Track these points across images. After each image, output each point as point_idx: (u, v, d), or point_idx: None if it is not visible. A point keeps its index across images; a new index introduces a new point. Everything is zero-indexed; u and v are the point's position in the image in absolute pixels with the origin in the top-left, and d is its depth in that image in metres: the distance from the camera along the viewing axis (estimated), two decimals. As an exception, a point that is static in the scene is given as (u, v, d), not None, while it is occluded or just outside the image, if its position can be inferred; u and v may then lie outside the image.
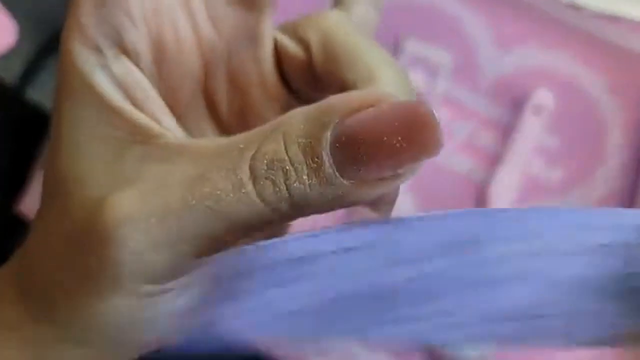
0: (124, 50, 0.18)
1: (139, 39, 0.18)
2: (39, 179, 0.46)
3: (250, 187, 0.16)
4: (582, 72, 0.51)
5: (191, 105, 0.20)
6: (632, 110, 0.50)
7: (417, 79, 0.48)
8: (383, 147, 0.15)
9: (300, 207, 0.16)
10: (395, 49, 0.50)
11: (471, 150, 0.48)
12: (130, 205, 0.17)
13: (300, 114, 0.16)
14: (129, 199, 0.17)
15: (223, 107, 0.21)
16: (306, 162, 0.16)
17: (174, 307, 0.18)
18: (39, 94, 0.52)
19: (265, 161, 0.16)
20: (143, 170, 0.17)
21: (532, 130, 0.48)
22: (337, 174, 0.16)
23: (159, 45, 0.19)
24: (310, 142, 0.16)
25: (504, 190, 0.47)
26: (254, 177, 0.16)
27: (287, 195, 0.16)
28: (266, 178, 0.16)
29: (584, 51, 0.52)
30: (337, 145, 0.16)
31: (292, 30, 0.20)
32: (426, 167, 0.48)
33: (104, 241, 0.17)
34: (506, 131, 0.49)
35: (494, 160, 0.48)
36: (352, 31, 0.19)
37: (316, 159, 0.16)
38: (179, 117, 0.20)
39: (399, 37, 0.50)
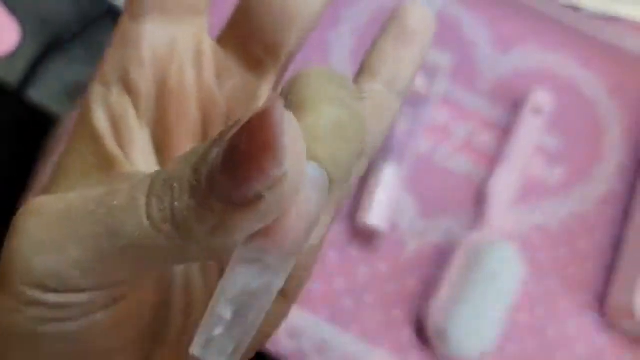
0: (127, 87, 0.19)
1: (143, 79, 0.19)
2: (39, 180, 0.46)
3: (142, 202, 0.15)
4: (580, 73, 0.51)
5: (185, 147, 0.20)
6: (631, 110, 0.51)
7: (417, 80, 0.48)
8: (236, 159, 0.13)
9: (184, 233, 0.14)
10: None
11: (470, 151, 0.48)
12: (43, 204, 0.17)
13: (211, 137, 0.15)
14: (47, 199, 0.17)
15: None
16: (189, 181, 0.14)
17: (80, 333, 0.17)
18: (41, 95, 0.52)
19: (162, 179, 0.15)
20: (87, 189, 0.17)
21: (531, 131, 0.48)
22: (210, 193, 0.14)
23: (163, 88, 0.19)
24: (199, 160, 0.14)
25: (503, 191, 0.47)
26: (148, 194, 0.15)
27: (170, 214, 0.14)
28: (156, 195, 0.15)
29: (582, 52, 0.52)
30: (215, 162, 0.14)
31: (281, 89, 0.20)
32: (426, 167, 0.49)
33: (10, 232, 0.17)
34: (505, 132, 0.49)
35: (493, 160, 0.48)
36: (315, 75, 0.17)
37: (199, 177, 0.14)
38: (172, 156, 0.20)
39: None
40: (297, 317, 0.43)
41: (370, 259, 0.45)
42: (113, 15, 0.55)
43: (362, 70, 0.21)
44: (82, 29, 0.54)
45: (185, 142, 0.20)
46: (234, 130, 0.14)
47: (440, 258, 0.45)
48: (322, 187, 0.15)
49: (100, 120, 0.19)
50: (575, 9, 0.54)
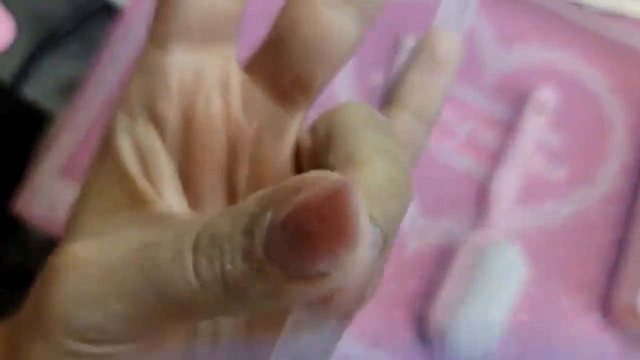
0: (154, 116, 0.19)
1: (169, 108, 0.19)
2: (34, 178, 0.46)
3: (189, 260, 0.15)
4: (585, 70, 0.51)
5: (211, 180, 0.20)
6: (636, 108, 0.51)
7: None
8: (301, 236, 0.13)
9: (234, 296, 0.14)
10: (395, 47, 0.50)
11: (473, 149, 0.48)
12: (83, 253, 0.17)
13: (259, 192, 0.15)
14: (85, 248, 0.17)
15: (240, 188, 0.20)
16: (241, 244, 0.14)
17: None
18: (35, 92, 0.52)
19: (209, 235, 0.15)
20: (120, 230, 0.17)
21: (534, 129, 0.48)
22: (267, 260, 0.13)
23: (189, 119, 0.19)
24: (251, 222, 0.14)
25: (506, 189, 0.47)
26: (194, 252, 0.15)
27: (220, 277, 0.14)
28: (204, 254, 0.14)
29: (587, 49, 0.52)
30: (272, 229, 0.13)
31: (312, 123, 0.20)
32: (427, 165, 0.48)
33: (48, 281, 0.17)
34: (508, 129, 0.49)
35: (496, 158, 0.48)
36: (356, 119, 0.17)
37: (251, 241, 0.14)
38: (197, 190, 0.20)
39: (399, 36, 0.50)
40: None
41: (371, 259, 0.45)
42: (108, 11, 0.55)
43: (391, 102, 0.21)
44: (77, 25, 0.54)
45: (211, 175, 0.20)
46: (291, 193, 0.13)
47: (441, 258, 0.45)
48: (376, 245, 0.14)
49: (128, 154, 0.18)
50: (580, 5, 0.54)
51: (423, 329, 0.43)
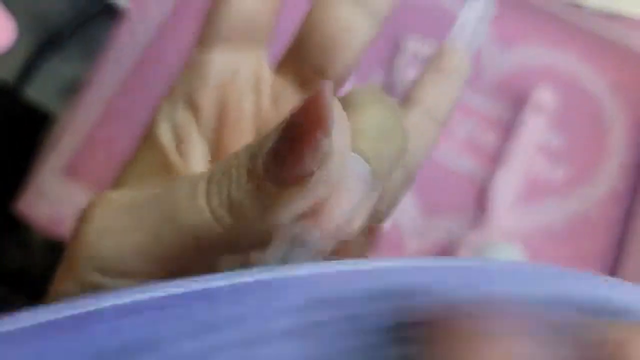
0: (191, 105, 0.21)
1: (205, 99, 0.21)
2: (36, 178, 0.46)
3: (202, 190, 0.16)
4: (584, 70, 0.51)
5: None
6: (635, 108, 0.51)
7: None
8: (289, 135, 0.15)
9: (237, 215, 0.16)
10: (395, 47, 0.50)
11: (472, 149, 0.48)
12: (114, 195, 0.18)
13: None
14: (113, 193, 0.19)
15: None
16: (247, 166, 0.16)
17: None
18: (37, 93, 0.52)
19: (221, 167, 0.16)
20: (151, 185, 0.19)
21: (533, 129, 0.48)
22: (265, 174, 0.15)
23: (223, 110, 0.21)
24: (256, 149, 0.16)
25: (505, 189, 0.47)
26: (208, 183, 0.16)
27: (226, 200, 0.16)
28: (216, 183, 0.16)
29: (586, 50, 0.52)
30: (272, 148, 0.15)
31: None
32: (427, 165, 0.48)
33: (79, 221, 0.18)
34: (507, 130, 0.49)
35: (495, 159, 0.48)
36: (363, 89, 0.19)
37: (255, 162, 0.16)
38: None
39: (399, 36, 0.50)
40: None
41: (371, 259, 0.45)
42: (110, 13, 0.55)
43: (404, 101, 0.23)
44: (79, 26, 0.54)
45: None
46: (287, 120, 0.15)
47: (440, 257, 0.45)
48: (364, 179, 0.16)
49: (164, 131, 0.21)
50: (578, 6, 0.54)
51: None
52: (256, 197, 0.15)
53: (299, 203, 0.15)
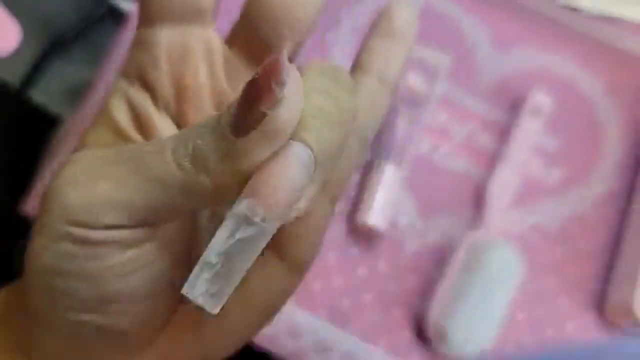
0: (145, 84, 0.21)
1: (159, 79, 0.21)
2: (42, 180, 0.46)
3: (170, 145, 0.17)
4: (579, 73, 0.51)
5: None
6: (629, 110, 0.51)
7: (416, 80, 0.48)
8: (248, 88, 0.16)
9: (199, 164, 0.17)
10: None
11: (470, 151, 0.48)
12: (82, 154, 0.19)
13: None
14: (86, 151, 0.19)
15: None
16: (212, 125, 0.17)
17: (87, 275, 0.18)
18: (42, 96, 0.52)
19: (189, 129, 0.17)
20: None
21: (529, 131, 0.48)
22: (227, 127, 0.16)
23: (180, 86, 0.21)
24: (223, 112, 0.17)
25: (502, 191, 0.47)
26: (175, 140, 0.17)
27: (191, 152, 0.17)
28: (182, 139, 0.17)
29: (581, 52, 0.52)
30: (234, 106, 0.17)
31: None
32: (425, 167, 0.49)
33: (51, 179, 0.19)
34: (504, 132, 0.49)
35: (492, 160, 0.48)
36: (315, 65, 0.19)
37: (219, 118, 0.17)
38: None
39: None
40: (297, 316, 0.43)
41: (370, 259, 0.45)
42: (114, 16, 0.55)
43: (355, 67, 0.23)
44: (83, 29, 0.54)
45: None
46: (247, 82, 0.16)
47: (439, 257, 0.45)
48: (306, 163, 0.17)
49: (119, 111, 0.21)
50: (574, 9, 0.54)
51: (421, 328, 0.43)
52: (217, 146, 0.16)
53: (254, 149, 0.16)
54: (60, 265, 0.18)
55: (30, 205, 0.46)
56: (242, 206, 0.16)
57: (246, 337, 0.22)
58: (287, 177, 0.16)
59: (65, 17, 0.54)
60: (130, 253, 0.18)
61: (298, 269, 0.22)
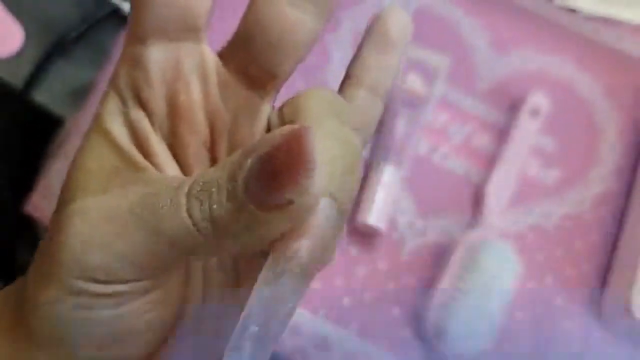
0: (142, 102, 0.21)
1: (153, 97, 0.21)
2: (45, 179, 0.46)
3: (183, 203, 0.17)
4: (577, 74, 0.52)
5: (197, 158, 0.22)
6: (627, 111, 0.51)
7: (415, 82, 0.48)
8: (272, 169, 0.16)
9: (220, 230, 0.17)
10: None
11: (468, 152, 0.49)
12: (91, 203, 0.19)
13: (244, 147, 0.17)
14: (92, 199, 0.19)
15: None
16: (227, 187, 0.17)
17: (116, 317, 0.19)
18: (45, 97, 0.52)
19: (201, 183, 0.17)
20: (124, 187, 0.19)
21: (528, 132, 0.48)
22: (246, 197, 0.16)
23: (174, 104, 0.21)
24: (235, 169, 0.17)
25: (500, 192, 0.47)
26: (188, 196, 0.17)
27: (208, 215, 0.17)
28: (196, 198, 0.17)
29: (579, 54, 0.52)
30: (250, 169, 0.16)
31: (280, 106, 0.22)
32: (424, 168, 0.49)
33: (58, 230, 0.18)
34: (503, 133, 0.49)
35: (491, 161, 0.48)
36: (317, 106, 0.20)
37: (234, 184, 0.17)
38: (185, 167, 0.22)
39: None
40: (298, 315, 0.43)
41: (370, 258, 0.45)
42: (116, 17, 0.55)
43: (347, 77, 0.23)
44: (86, 30, 0.54)
45: (197, 153, 0.22)
46: (268, 143, 0.16)
47: (438, 257, 0.46)
48: (335, 217, 0.17)
49: (119, 130, 0.20)
50: (572, 11, 0.54)
51: (421, 327, 0.44)
52: (237, 216, 0.17)
53: (279, 223, 0.17)
54: (77, 315, 0.18)
55: (32, 205, 0.46)
56: (274, 267, 0.17)
57: None
58: (321, 234, 0.17)
59: (68, 19, 0.54)
60: (145, 298, 0.19)
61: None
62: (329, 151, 0.18)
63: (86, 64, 0.53)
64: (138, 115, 0.21)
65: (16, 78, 0.52)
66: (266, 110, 0.22)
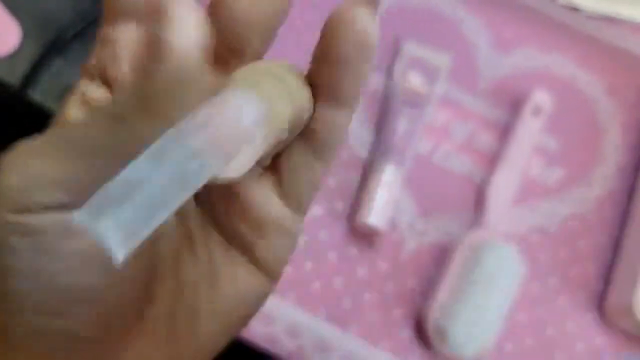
0: (107, 80, 0.21)
1: (121, 72, 0.21)
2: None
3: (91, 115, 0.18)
4: (580, 73, 0.52)
5: None
6: (630, 110, 0.51)
7: (417, 80, 0.49)
8: None
9: (118, 117, 0.17)
10: (395, 51, 0.51)
11: (470, 151, 0.49)
12: (25, 141, 0.18)
13: None
14: (36, 139, 0.18)
15: None
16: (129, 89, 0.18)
17: (61, 259, 0.17)
18: (42, 95, 0.52)
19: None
20: None
21: (530, 132, 0.48)
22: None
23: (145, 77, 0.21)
24: None
25: (503, 191, 0.47)
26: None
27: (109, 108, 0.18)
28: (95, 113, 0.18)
29: (582, 53, 0.52)
30: None
31: None
32: (426, 166, 0.49)
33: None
34: (505, 132, 0.49)
35: (493, 161, 0.48)
36: (268, 64, 0.20)
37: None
38: None
39: (399, 40, 0.51)
40: (297, 316, 0.43)
41: (370, 259, 0.45)
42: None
43: (312, 86, 0.21)
44: (83, 29, 0.54)
45: None
46: None
47: (439, 257, 0.46)
48: (259, 116, 0.17)
49: (73, 106, 0.21)
50: (574, 9, 0.54)
51: (421, 327, 0.44)
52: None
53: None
54: (8, 263, 0.17)
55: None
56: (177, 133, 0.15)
57: (220, 339, 0.22)
58: (235, 118, 0.16)
59: (65, 17, 0.54)
60: (76, 242, 0.18)
61: (271, 273, 0.22)
62: (266, 80, 0.18)
63: (83, 62, 0.53)
64: (99, 91, 0.21)
65: (13, 76, 0.52)
66: None
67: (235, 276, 0.21)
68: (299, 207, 0.22)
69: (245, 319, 0.22)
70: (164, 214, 0.14)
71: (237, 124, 0.16)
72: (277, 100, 0.18)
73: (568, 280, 0.46)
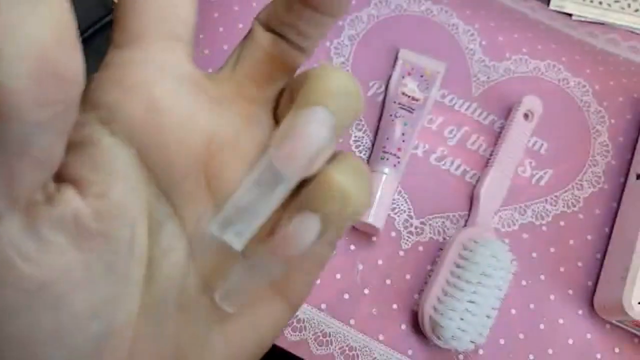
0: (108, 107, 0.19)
1: (125, 99, 0.19)
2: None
3: None
4: (570, 78, 0.51)
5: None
6: (620, 114, 0.51)
7: (413, 86, 0.48)
8: None
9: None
10: (391, 57, 0.50)
11: (464, 154, 0.49)
12: None
13: None
14: None
15: None
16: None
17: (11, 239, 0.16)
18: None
19: None
20: None
21: (522, 135, 0.48)
22: None
23: (150, 107, 0.19)
24: None
25: (495, 192, 0.47)
26: None
27: None
28: None
29: (572, 58, 0.52)
30: None
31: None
32: (421, 169, 0.48)
33: None
34: (497, 135, 0.49)
35: (486, 162, 0.48)
36: (331, 67, 0.20)
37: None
38: None
39: (395, 47, 0.51)
40: (300, 310, 0.43)
41: (369, 255, 0.45)
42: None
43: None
44: (89, 36, 0.53)
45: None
46: None
47: (434, 255, 0.46)
48: (329, 126, 0.18)
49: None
50: (565, 15, 0.54)
51: (417, 322, 0.44)
52: None
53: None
54: None
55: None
56: (268, 158, 0.18)
57: None
58: (311, 136, 0.18)
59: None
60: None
61: (291, 305, 0.21)
62: (331, 77, 0.19)
63: (89, 70, 0.52)
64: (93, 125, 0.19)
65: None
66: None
67: (258, 307, 0.21)
68: (330, 244, 0.21)
69: (262, 350, 0.21)
70: (260, 223, 0.19)
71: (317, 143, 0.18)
72: (344, 105, 0.19)
73: (559, 277, 0.46)
